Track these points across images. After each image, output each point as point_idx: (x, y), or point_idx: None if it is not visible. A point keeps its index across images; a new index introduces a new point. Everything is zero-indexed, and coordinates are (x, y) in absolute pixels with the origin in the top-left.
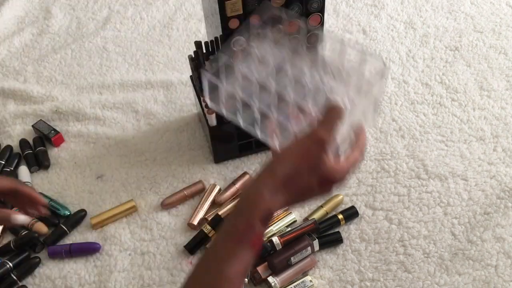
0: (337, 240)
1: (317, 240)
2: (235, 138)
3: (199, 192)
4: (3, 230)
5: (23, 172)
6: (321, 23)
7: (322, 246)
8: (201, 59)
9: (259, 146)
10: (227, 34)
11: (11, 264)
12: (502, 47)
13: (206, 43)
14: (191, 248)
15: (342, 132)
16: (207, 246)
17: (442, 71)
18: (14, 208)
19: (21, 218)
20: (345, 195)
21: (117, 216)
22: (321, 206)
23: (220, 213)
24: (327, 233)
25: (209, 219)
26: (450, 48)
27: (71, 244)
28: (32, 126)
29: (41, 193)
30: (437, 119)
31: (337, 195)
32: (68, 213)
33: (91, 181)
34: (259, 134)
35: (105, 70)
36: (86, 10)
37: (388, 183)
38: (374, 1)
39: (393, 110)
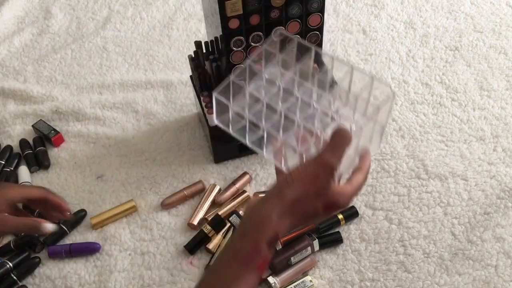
0: (337, 240)
1: (317, 240)
2: (235, 138)
3: (199, 192)
4: None
5: (23, 172)
6: (321, 23)
7: (322, 246)
8: (201, 59)
9: None
10: (227, 34)
11: (11, 264)
12: (502, 47)
13: (206, 43)
14: (191, 248)
15: (348, 155)
16: (210, 264)
17: (442, 71)
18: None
19: (50, 226)
20: None
21: (117, 216)
22: None
23: (220, 213)
24: (327, 233)
25: (209, 219)
26: (450, 48)
27: (71, 244)
28: (32, 126)
29: None
30: (437, 119)
31: None
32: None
33: (91, 181)
34: (265, 153)
35: (105, 70)
36: (86, 10)
37: (388, 183)
38: (374, 1)
39: (393, 110)
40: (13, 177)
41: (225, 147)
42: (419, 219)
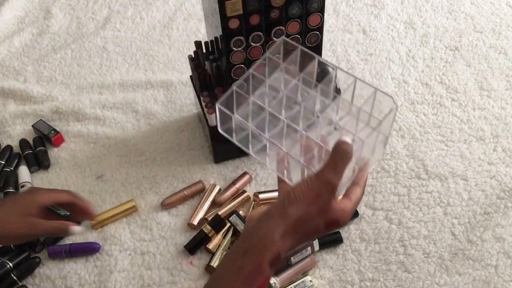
0: (337, 240)
1: (317, 240)
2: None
3: (199, 192)
4: None
5: (23, 172)
6: (321, 23)
7: (322, 246)
8: (201, 59)
9: None
10: (227, 34)
11: (11, 264)
12: (502, 47)
13: (206, 43)
14: (191, 248)
15: (349, 167)
16: (210, 278)
17: (442, 71)
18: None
19: (77, 229)
20: None
21: (117, 216)
22: None
23: (220, 213)
24: (327, 233)
25: (209, 219)
26: (450, 48)
27: (71, 244)
28: (32, 126)
29: None
30: (437, 119)
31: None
32: (68, 213)
33: (91, 181)
34: (268, 163)
35: (105, 70)
36: (86, 10)
37: (388, 183)
38: (374, 1)
39: None
40: (13, 177)
41: (225, 147)
42: (419, 219)
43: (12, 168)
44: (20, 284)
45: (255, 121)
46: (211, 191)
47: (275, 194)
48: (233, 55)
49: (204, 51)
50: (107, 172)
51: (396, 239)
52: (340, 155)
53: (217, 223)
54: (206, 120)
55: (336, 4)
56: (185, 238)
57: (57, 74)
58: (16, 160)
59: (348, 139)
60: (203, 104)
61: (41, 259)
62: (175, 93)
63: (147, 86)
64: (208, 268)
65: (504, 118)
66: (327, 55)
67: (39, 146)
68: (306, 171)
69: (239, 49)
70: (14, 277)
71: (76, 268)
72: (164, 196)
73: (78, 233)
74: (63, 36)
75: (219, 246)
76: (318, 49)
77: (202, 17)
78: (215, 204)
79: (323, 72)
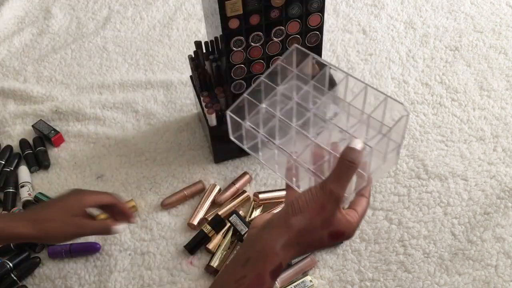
0: None
1: None
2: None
3: (199, 192)
4: None
5: (23, 172)
6: (321, 23)
7: None
8: (201, 59)
9: None
10: (227, 34)
11: (11, 264)
12: (502, 47)
13: (206, 43)
14: (191, 248)
15: (360, 176)
16: (212, 285)
17: (442, 71)
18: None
19: (120, 228)
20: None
21: None
22: None
23: (220, 213)
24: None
25: (209, 219)
26: (450, 48)
27: (71, 244)
28: (32, 126)
29: (41, 193)
30: (437, 119)
31: None
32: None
33: (91, 181)
34: (277, 170)
35: (105, 70)
36: (86, 10)
37: (388, 183)
38: (374, 1)
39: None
40: (13, 177)
41: (225, 147)
42: (419, 219)
43: (12, 168)
44: (20, 284)
45: (265, 128)
46: (211, 191)
47: (275, 194)
48: (233, 55)
49: (204, 51)
50: (107, 172)
51: (396, 239)
52: (345, 166)
53: (217, 223)
54: (206, 120)
55: (336, 4)
56: (185, 238)
57: (57, 74)
58: (16, 160)
59: (359, 143)
60: (203, 104)
61: (41, 259)
62: (175, 93)
63: (147, 86)
64: (208, 268)
65: (504, 118)
66: (327, 55)
67: (39, 146)
68: (315, 179)
69: (239, 49)
70: (14, 277)
71: (76, 268)
72: (164, 196)
73: (120, 232)
74: (63, 36)
75: (219, 246)
76: (318, 49)
77: (202, 17)
78: (215, 204)
79: (333, 80)
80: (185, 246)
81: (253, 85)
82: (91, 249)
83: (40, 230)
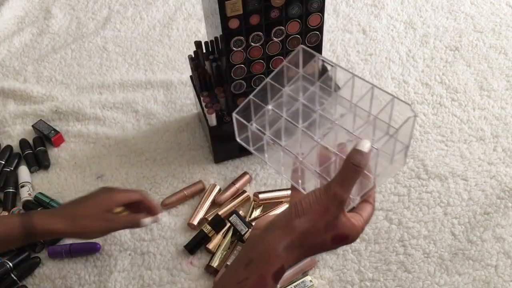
0: None
1: None
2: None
3: (199, 192)
4: None
5: (23, 172)
6: (321, 23)
7: None
8: (201, 59)
9: None
10: (227, 34)
11: (11, 264)
12: (502, 47)
13: (206, 43)
14: (191, 248)
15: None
16: (214, 286)
17: (442, 71)
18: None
19: (148, 220)
20: None
21: None
22: None
23: (220, 213)
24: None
25: (209, 219)
26: (450, 48)
27: (71, 244)
28: (32, 126)
29: (41, 193)
30: (437, 119)
31: None
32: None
33: (91, 181)
34: (283, 171)
35: (105, 70)
36: (86, 10)
37: (388, 183)
38: (374, 1)
39: (395, 111)
40: (13, 177)
41: (225, 147)
42: (419, 219)
43: (12, 168)
44: (20, 284)
45: (271, 129)
46: (211, 191)
47: (275, 194)
48: (233, 55)
49: (204, 51)
50: (107, 172)
51: (396, 239)
52: (350, 169)
53: (217, 223)
54: (206, 120)
55: (336, 4)
56: (185, 238)
57: (57, 74)
58: (16, 160)
59: (366, 144)
60: (203, 104)
61: (41, 259)
62: (175, 93)
63: (147, 86)
64: (208, 268)
65: (504, 118)
66: (327, 55)
67: (39, 146)
68: (320, 181)
69: (239, 49)
70: (14, 277)
71: (76, 268)
72: (164, 196)
73: (147, 225)
74: (63, 36)
75: (219, 246)
76: (318, 49)
77: (202, 17)
78: (215, 204)
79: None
80: (185, 246)
81: (259, 87)
82: (91, 249)
83: (75, 227)
